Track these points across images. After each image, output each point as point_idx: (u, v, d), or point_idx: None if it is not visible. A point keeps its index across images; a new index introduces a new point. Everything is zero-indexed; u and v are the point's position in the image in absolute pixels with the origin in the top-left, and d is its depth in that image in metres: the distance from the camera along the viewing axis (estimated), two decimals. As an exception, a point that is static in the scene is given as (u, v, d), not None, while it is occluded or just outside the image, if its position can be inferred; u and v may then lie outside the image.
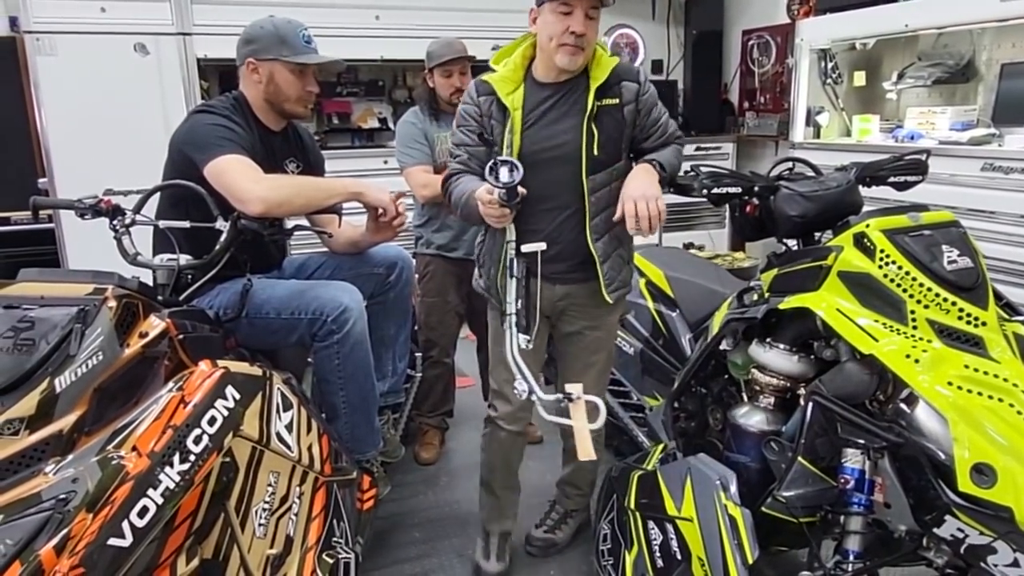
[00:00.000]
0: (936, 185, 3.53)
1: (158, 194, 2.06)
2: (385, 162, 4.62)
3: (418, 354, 3.07)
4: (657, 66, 6.12)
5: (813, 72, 4.66)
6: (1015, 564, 1.56)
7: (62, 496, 1.24)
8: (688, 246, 5.50)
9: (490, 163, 1.84)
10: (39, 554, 1.17)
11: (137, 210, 1.91)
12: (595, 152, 2.06)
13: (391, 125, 5.13)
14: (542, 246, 1.91)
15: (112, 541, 1.23)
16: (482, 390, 3.54)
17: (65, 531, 1.20)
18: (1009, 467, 1.49)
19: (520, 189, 1.86)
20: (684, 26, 6.03)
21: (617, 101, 2.09)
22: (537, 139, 2.08)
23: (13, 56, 4.24)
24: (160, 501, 1.30)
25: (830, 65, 4.61)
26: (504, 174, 1.81)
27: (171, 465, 1.34)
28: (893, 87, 4.46)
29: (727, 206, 2.27)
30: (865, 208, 2.06)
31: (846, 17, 4.29)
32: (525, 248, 1.93)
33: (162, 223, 1.87)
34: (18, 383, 1.32)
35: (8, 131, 4.30)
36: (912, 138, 3.98)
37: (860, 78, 4.64)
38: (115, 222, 1.87)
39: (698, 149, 5.51)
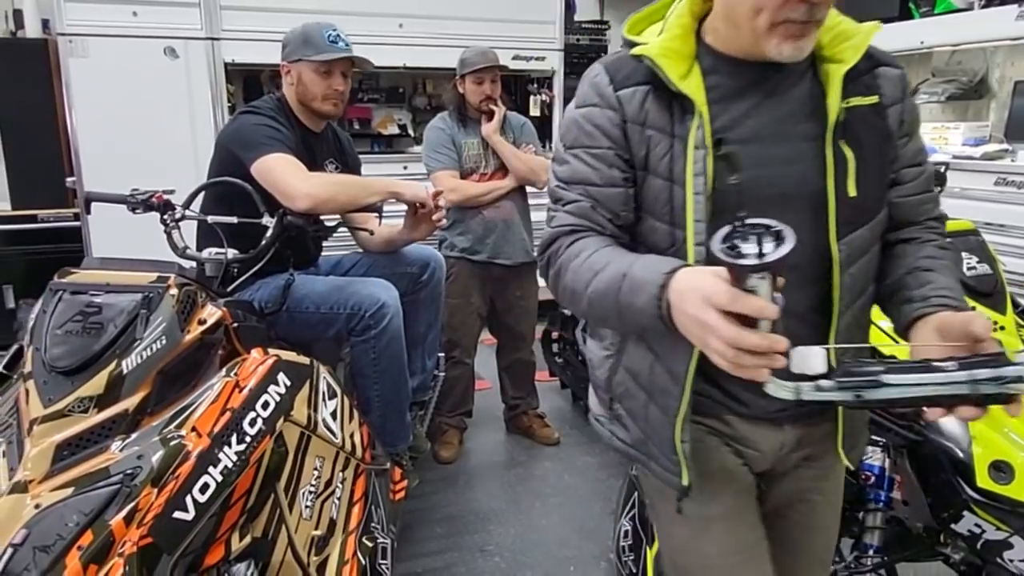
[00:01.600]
0: (950, 199, 3.61)
1: (203, 191, 2.14)
2: (405, 167, 4.69)
3: (440, 355, 3.15)
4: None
5: (830, 88, 4.73)
6: (1031, 559, 1.62)
7: (129, 471, 1.31)
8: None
9: (725, 229, 0.91)
10: (110, 524, 1.24)
11: (187, 205, 1.99)
12: (849, 192, 1.14)
13: (411, 132, 5.21)
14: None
15: (177, 514, 1.29)
16: (500, 392, 3.62)
17: (133, 503, 1.27)
18: (1026, 465, 1.56)
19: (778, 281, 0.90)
20: (699, 39, 6.10)
21: (876, 100, 1.18)
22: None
23: (45, 58, 4.32)
24: (219, 479, 1.37)
25: (847, 80, 4.68)
26: (768, 247, 0.88)
27: (229, 445, 1.41)
28: (908, 102, 4.53)
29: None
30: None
31: (863, 34, 4.36)
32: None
33: (211, 218, 1.94)
34: (88, 364, 1.39)
35: (38, 131, 4.38)
36: (927, 152, 4.04)
37: (875, 93, 4.71)
38: (166, 216, 1.95)
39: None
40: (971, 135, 4.02)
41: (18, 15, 4.52)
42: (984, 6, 3.66)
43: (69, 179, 4.28)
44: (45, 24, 4.45)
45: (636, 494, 2.39)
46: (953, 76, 4.30)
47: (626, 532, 2.41)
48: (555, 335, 4.01)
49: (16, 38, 4.53)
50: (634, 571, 2.31)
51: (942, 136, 4.12)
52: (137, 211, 1.99)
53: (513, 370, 3.52)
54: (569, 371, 3.89)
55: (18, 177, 4.43)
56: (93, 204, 2.16)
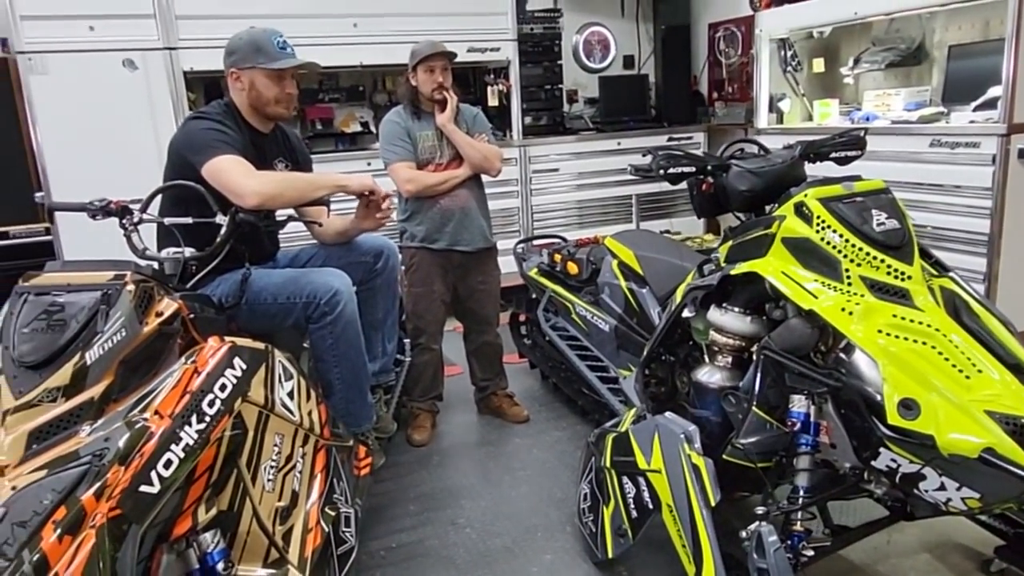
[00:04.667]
0: (891, 162, 3.78)
1: (159, 195, 2.24)
2: (368, 164, 4.79)
3: (406, 341, 3.26)
4: (628, 61, 6.33)
5: (774, 61, 4.89)
6: (942, 488, 1.75)
7: (97, 452, 1.42)
8: (664, 232, 5.71)
9: None
10: (81, 499, 1.35)
11: (143, 209, 2.10)
12: None
13: (373, 128, 5.31)
14: None
15: (143, 488, 1.41)
16: (469, 375, 3.75)
17: (102, 481, 1.38)
18: (931, 401, 1.69)
19: None
20: (653, 21, 6.23)
21: None
22: None
23: (5, 76, 4.39)
24: (182, 455, 1.48)
25: (789, 54, 4.84)
26: None
27: (189, 424, 1.52)
28: (850, 72, 4.69)
29: (686, 185, 2.47)
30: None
31: (801, 8, 4.52)
32: None
33: (167, 220, 2.05)
34: (53, 357, 1.50)
35: (3, 148, 4.44)
36: (868, 119, 4.20)
37: (819, 65, 4.87)
38: (124, 220, 2.06)
39: (670, 139, 5.73)
40: (912, 100, 4.17)
41: (-23, 36, 4.58)
42: (913, -25, 3.80)
43: (37, 194, 4.35)
44: (3, 43, 4.50)
45: (592, 459, 2.53)
46: (892, 44, 4.45)
47: (585, 495, 2.55)
48: (522, 317, 4.14)
49: (-25, 59, 4.60)
50: (594, 530, 2.45)
51: (884, 103, 4.27)
52: (97, 217, 2.10)
53: (481, 352, 3.64)
54: (537, 352, 4.02)
55: (-13, 195, 4.50)
56: (59, 215, 2.26)
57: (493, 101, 5.17)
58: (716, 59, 6.00)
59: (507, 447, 3.43)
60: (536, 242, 4.10)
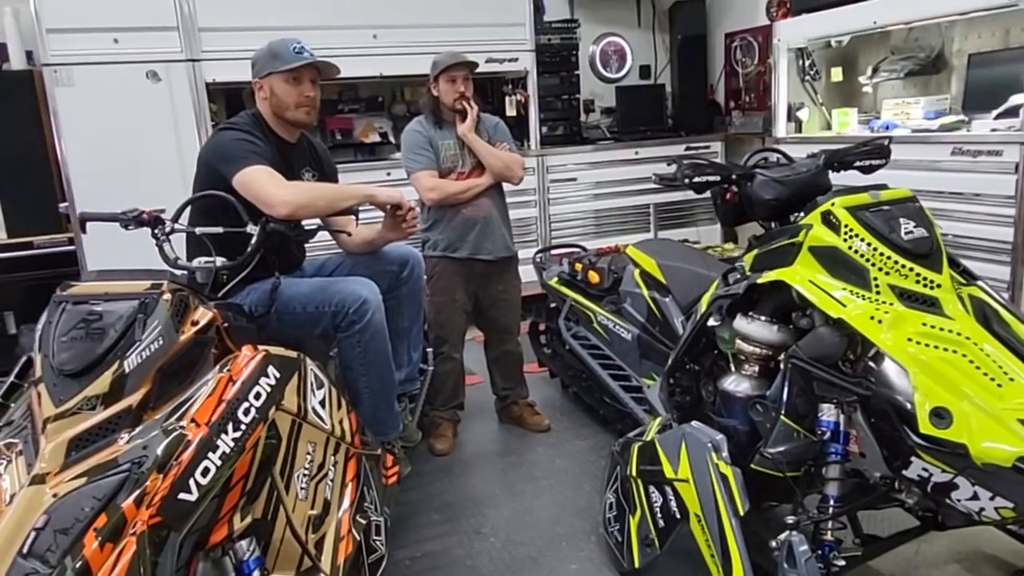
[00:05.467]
0: (912, 171, 3.76)
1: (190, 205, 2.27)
2: (388, 174, 4.83)
3: (429, 350, 3.27)
4: (645, 71, 6.35)
5: (792, 70, 4.90)
6: (975, 497, 1.74)
7: (136, 460, 1.44)
8: (683, 242, 5.71)
9: None
10: (121, 507, 1.37)
11: (175, 219, 2.13)
12: None
13: (392, 139, 5.35)
14: None
15: (182, 496, 1.42)
16: (490, 384, 3.75)
17: (141, 488, 1.40)
18: (963, 409, 1.69)
19: None
20: (669, 31, 6.25)
21: None
22: None
23: (31, 88, 4.45)
24: (219, 463, 1.50)
25: (807, 63, 4.84)
26: None
27: (226, 433, 1.53)
28: (869, 81, 4.69)
29: (710, 194, 2.48)
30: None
31: (819, 17, 4.51)
32: None
33: (199, 229, 2.08)
34: (92, 366, 1.53)
35: (28, 159, 4.50)
36: (888, 128, 4.19)
37: (837, 74, 4.86)
38: (156, 231, 2.08)
39: (687, 148, 5.73)
40: (931, 108, 4.17)
41: (2, 48, 4.64)
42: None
43: (62, 204, 4.42)
44: (29, 56, 4.58)
45: (618, 468, 2.53)
46: (911, 53, 4.44)
47: (610, 504, 2.55)
48: (542, 327, 4.15)
49: (2, 71, 4.66)
50: (619, 540, 2.45)
51: (904, 111, 4.26)
52: (129, 227, 2.12)
53: (502, 362, 3.65)
54: (557, 360, 4.02)
55: (12, 205, 4.55)
56: (88, 224, 2.29)
57: (511, 111, 5.19)
58: (733, 68, 6.00)
59: (529, 456, 3.43)
60: (555, 251, 4.11)
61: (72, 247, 4.45)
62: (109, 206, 2.26)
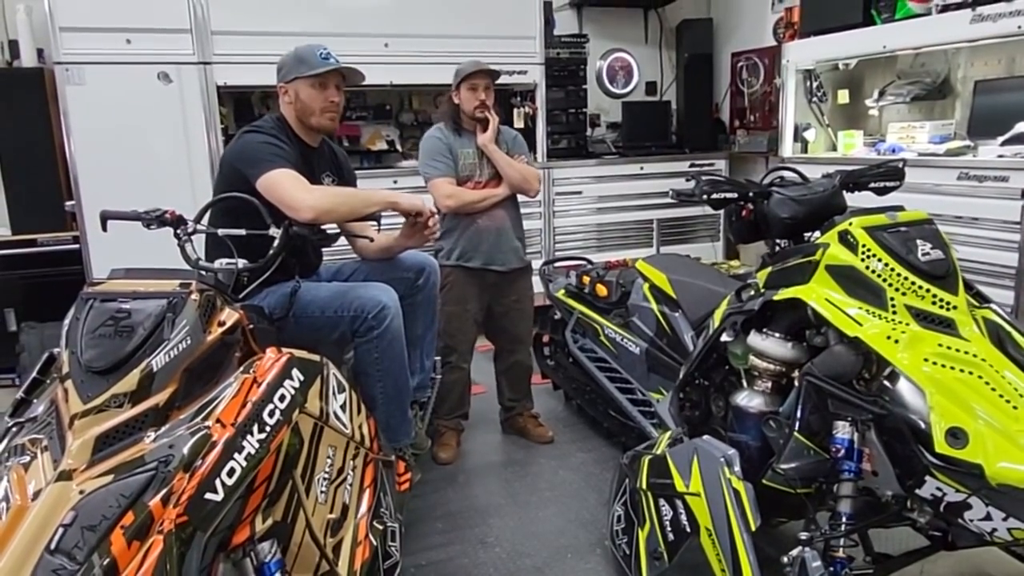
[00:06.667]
0: (917, 194, 3.78)
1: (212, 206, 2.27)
2: (395, 182, 4.84)
3: (437, 358, 3.28)
4: (651, 88, 6.40)
5: (799, 91, 4.95)
6: (988, 518, 1.76)
7: (163, 458, 1.44)
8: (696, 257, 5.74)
9: None
10: (149, 505, 1.37)
11: (198, 220, 2.13)
12: None
13: (399, 147, 5.37)
14: None
15: (208, 495, 1.42)
16: (496, 395, 3.76)
17: (168, 487, 1.40)
18: (979, 430, 1.70)
19: None
20: (676, 49, 6.30)
21: None
22: None
23: (41, 86, 4.46)
24: (244, 464, 1.50)
25: (815, 84, 4.89)
26: None
27: (251, 434, 1.53)
28: (875, 104, 4.74)
29: (723, 213, 2.50)
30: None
31: (828, 40, 4.57)
32: None
33: (221, 231, 2.08)
34: (120, 363, 1.52)
35: (36, 157, 4.50)
36: (893, 151, 4.23)
37: (844, 96, 4.92)
38: (179, 231, 2.08)
39: (692, 166, 5.76)
40: (936, 133, 4.21)
41: (14, 45, 4.65)
42: (941, 11, 3.85)
43: (68, 203, 4.41)
44: (40, 53, 4.59)
45: (627, 481, 2.54)
46: (917, 78, 4.50)
47: (619, 517, 2.55)
48: (546, 339, 4.16)
49: (12, 68, 4.67)
50: (627, 552, 2.45)
51: (909, 135, 4.31)
52: (151, 227, 2.12)
53: (511, 372, 3.65)
54: (560, 372, 4.03)
55: (17, 203, 4.55)
56: (99, 225, 2.27)
57: (519, 123, 5.21)
58: (738, 88, 6.06)
59: (533, 467, 3.43)
60: (560, 264, 4.13)
61: (76, 246, 4.45)
62: (116, 206, 2.26)
